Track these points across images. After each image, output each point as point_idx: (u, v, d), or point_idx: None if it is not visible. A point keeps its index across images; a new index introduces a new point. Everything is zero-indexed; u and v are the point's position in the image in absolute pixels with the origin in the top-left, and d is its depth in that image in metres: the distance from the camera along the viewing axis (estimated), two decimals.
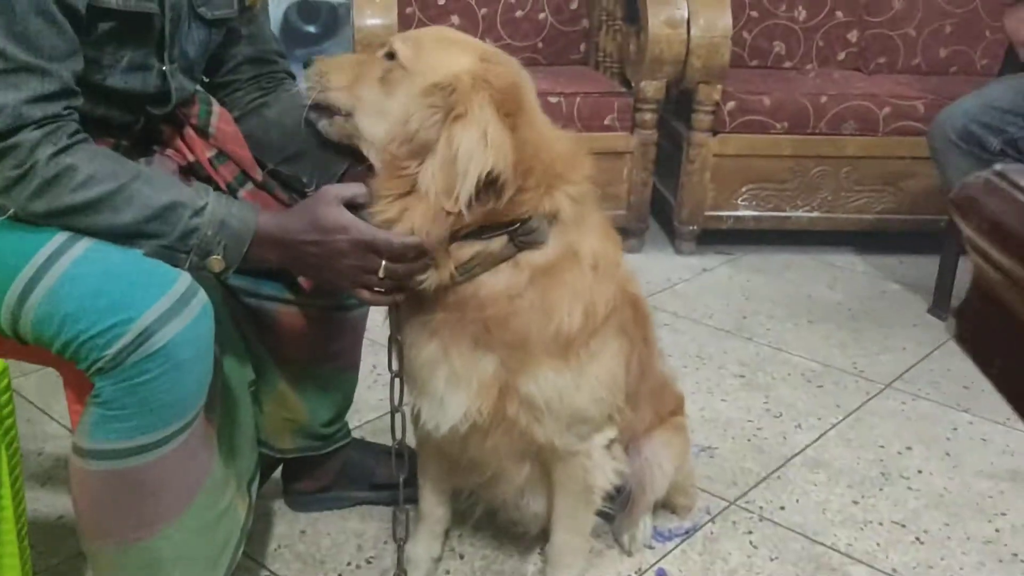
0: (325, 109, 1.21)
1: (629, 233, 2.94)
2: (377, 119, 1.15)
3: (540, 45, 3.26)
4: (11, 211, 1.02)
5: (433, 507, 1.49)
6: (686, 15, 2.66)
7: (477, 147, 1.05)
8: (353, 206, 1.14)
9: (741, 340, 2.38)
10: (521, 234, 1.14)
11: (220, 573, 1.18)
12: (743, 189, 2.90)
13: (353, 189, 1.15)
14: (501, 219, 1.13)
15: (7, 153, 0.98)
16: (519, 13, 3.23)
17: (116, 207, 1.02)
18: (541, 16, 3.24)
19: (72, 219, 1.03)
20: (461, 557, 1.54)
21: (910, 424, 2.00)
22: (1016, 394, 0.39)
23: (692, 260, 2.94)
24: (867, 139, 2.85)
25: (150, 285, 0.99)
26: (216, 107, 1.31)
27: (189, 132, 1.28)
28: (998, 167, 0.40)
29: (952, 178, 2.25)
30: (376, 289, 1.15)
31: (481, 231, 1.13)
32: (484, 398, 1.19)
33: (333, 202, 1.13)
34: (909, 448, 1.91)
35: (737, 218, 2.93)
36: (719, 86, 2.75)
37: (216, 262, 1.08)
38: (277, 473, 1.64)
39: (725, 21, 2.67)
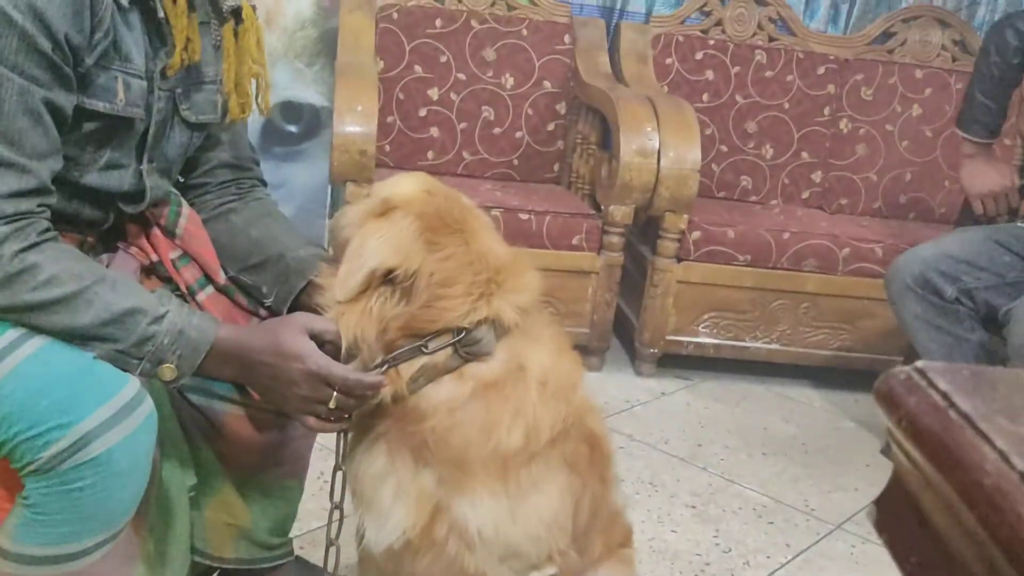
0: None
1: (591, 351, 2.96)
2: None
3: (516, 162, 3.34)
4: None
5: None
6: (657, 146, 2.75)
7: (380, 243, 1.10)
8: (320, 342, 1.14)
9: (695, 469, 2.37)
10: (465, 344, 1.15)
11: None
12: (704, 316, 2.94)
13: (323, 324, 1.15)
14: (429, 327, 1.14)
15: None
16: (497, 130, 3.32)
17: (75, 309, 1.02)
18: (518, 135, 3.33)
19: (29, 316, 1.03)
20: None
21: (859, 569, 1.99)
22: None
23: (651, 383, 2.95)
24: (826, 277, 2.92)
25: (96, 390, 0.98)
26: (186, 209, 1.32)
27: (155, 232, 1.29)
28: (919, 364, 0.42)
29: (908, 322, 2.31)
30: (323, 417, 1.15)
31: (420, 342, 1.14)
32: (419, 515, 1.17)
33: (298, 329, 1.13)
34: None
35: (697, 344, 2.96)
36: (685, 216, 2.83)
37: (168, 370, 1.07)
38: None
39: (694, 155, 2.76)
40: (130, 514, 1.02)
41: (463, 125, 3.31)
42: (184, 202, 1.34)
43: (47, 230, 1.03)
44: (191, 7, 1.18)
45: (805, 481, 2.38)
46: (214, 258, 1.30)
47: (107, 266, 1.24)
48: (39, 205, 1.03)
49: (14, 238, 0.99)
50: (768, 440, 2.61)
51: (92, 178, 1.13)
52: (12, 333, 1.01)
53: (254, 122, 3.64)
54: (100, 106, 1.07)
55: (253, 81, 1.35)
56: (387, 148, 3.27)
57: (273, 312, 1.32)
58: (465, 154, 3.31)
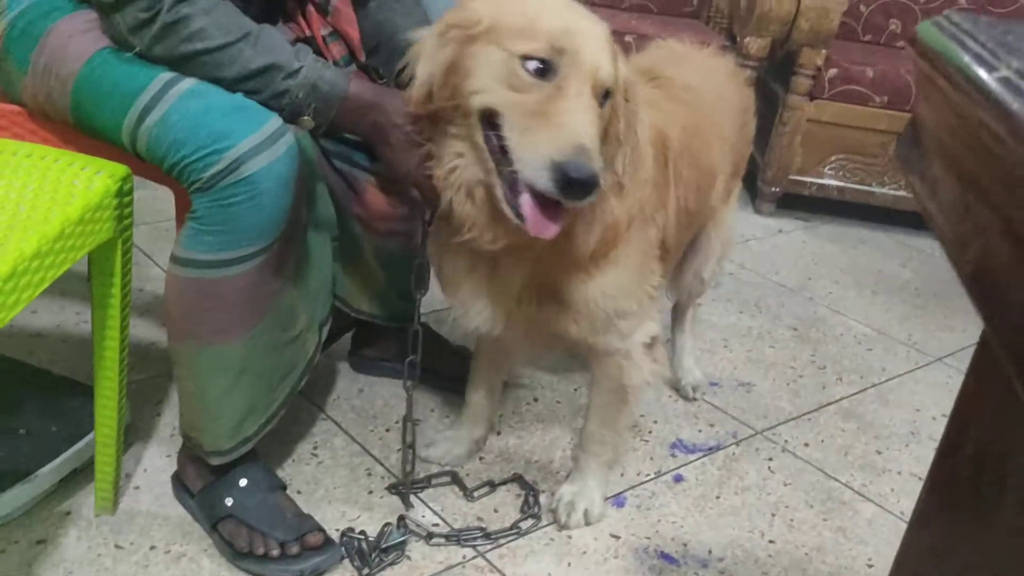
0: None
1: None
2: None
3: None
4: (137, 49, 1.15)
5: (480, 399, 1.60)
6: None
7: None
8: None
9: (802, 299, 2.44)
10: None
11: (283, 392, 1.34)
12: (832, 158, 2.92)
13: None
14: None
15: None
16: None
17: (219, 63, 1.14)
18: None
19: (183, 66, 1.16)
20: (498, 433, 1.68)
21: (952, 396, 2.03)
22: (935, 193, 0.48)
23: (769, 221, 2.98)
24: None
25: (245, 121, 1.12)
26: None
27: (310, 9, 1.41)
28: (950, 13, 0.49)
29: None
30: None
31: None
32: (510, 303, 1.28)
33: None
34: (945, 415, 1.95)
35: (821, 186, 2.96)
36: (823, 51, 2.77)
37: (307, 121, 1.20)
38: (347, 337, 1.80)
39: None
40: (276, 232, 1.17)
41: None
42: None
43: None
44: None
45: (912, 320, 2.41)
46: (358, 36, 1.42)
47: None
48: None
49: None
50: (881, 280, 2.63)
51: None
52: (167, 73, 1.16)
53: None
54: None
55: None
56: None
57: None
58: None
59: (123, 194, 1.16)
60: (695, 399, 1.86)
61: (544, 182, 1.04)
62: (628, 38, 2.81)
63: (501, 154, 1.11)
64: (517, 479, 1.55)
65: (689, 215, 1.44)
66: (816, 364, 2.10)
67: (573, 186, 1.02)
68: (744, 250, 2.71)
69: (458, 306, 1.35)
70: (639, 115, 1.23)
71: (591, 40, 1.11)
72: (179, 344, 1.25)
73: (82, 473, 1.41)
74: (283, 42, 1.20)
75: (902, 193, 2.95)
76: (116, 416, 1.30)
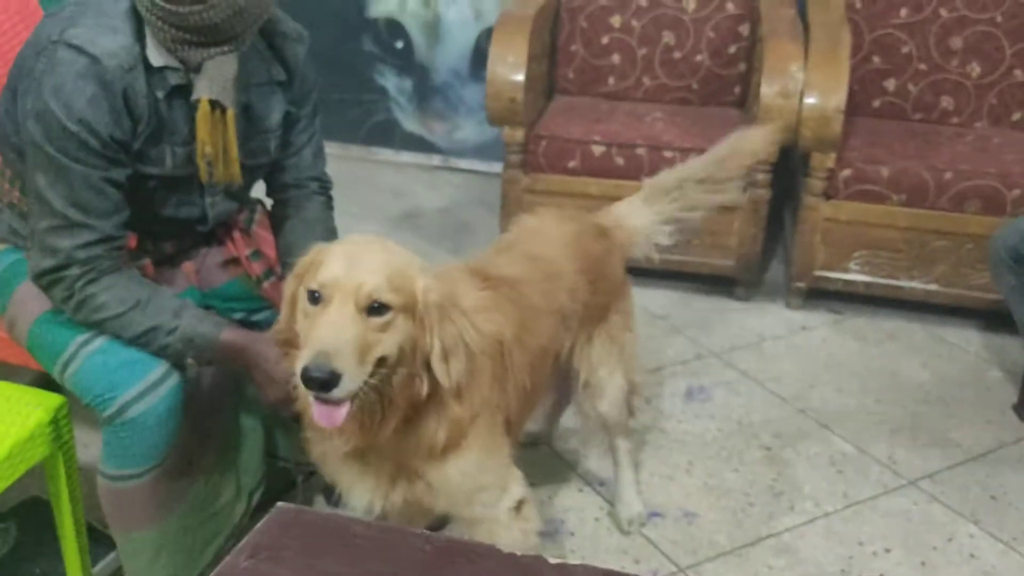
0: None
1: (736, 283, 3.08)
2: None
3: (695, 86, 3.41)
4: (66, 314, 1.50)
5: None
6: (801, 86, 2.73)
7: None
8: None
9: (791, 411, 2.50)
10: None
11: (207, 557, 1.66)
12: (855, 253, 2.93)
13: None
14: None
15: (59, 282, 1.45)
16: (677, 54, 3.41)
17: (119, 327, 1.47)
18: (698, 58, 3.39)
19: (97, 327, 1.48)
20: None
21: (907, 527, 2.07)
22: None
23: (798, 315, 3.02)
24: (993, 219, 2.76)
25: (130, 374, 1.45)
26: (259, 215, 1.74)
27: (236, 233, 1.72)
28: None
29: (1004, 293, 2.22)
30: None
31: None
32: (386, 486, 1.49)
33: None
34: (888, 551, 2.00)
35: (847, 281, 2.96)
36: (832, 154, 2.80)
37: (191, 364, 1.52)
38: None
39: (838, 98, 2.70)
40: (164, 454, 1.49)
41: (643, 51, 3.43)
42: (260, 208, 1.75)
43: (109, 265, 1.46)
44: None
45: (904, 432, 2.41)
46: (275, 254, 1.72)
47: (204, 258, 1.69)
48: (106, 249, 1.45)
49: (84, 276, 1.44)
50: (889, 387, 2.62)
51: (168, 211, 1.56)
52: (88, 334, 1.50)
53: (466, 47, 4.01)
54: (154, 171, 1.49)
55: None
56: (570, 75, 3.49)
57: None
58: (645, 79, 3.45)
59: (58, 420, 1.51)
60: (629, 532, 2.02)
61: (302, 384, 1.23)
62: (640, 151, 2.96)
63: None
64: None
65: (528, 391, 1.62)
66: (774, 491, 2.18)
67: (314, 383, 1.19)
68: (754, 354, 2.78)
69: (343, 489, 1.60)
70: (468, 329, 1.41)
71: (359, 266, 1.27)
72: (112, 531, 1.60)
73: None
74: (167, 306, 1.49)
75: (933, 287, 2.90)
76: None
